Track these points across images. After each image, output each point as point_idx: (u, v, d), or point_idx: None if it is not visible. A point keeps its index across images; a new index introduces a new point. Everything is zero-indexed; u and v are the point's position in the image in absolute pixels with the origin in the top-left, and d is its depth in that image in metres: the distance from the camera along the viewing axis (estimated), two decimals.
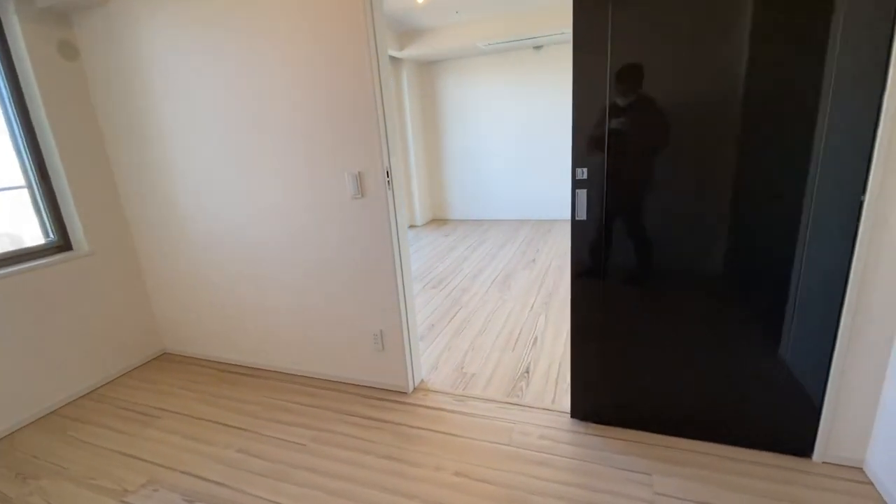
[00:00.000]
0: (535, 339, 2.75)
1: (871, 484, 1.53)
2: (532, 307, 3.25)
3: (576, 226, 1.71)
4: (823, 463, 1.64)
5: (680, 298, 1.66)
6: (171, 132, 2.35)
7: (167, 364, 2.77)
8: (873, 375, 1.51)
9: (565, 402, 2.10)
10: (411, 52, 5.42)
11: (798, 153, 1.40)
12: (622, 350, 1.80)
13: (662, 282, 1.67)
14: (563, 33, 4.98)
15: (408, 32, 5.38)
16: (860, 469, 1.59)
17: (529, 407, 2.08)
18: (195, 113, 2.25)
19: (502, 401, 2.14)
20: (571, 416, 1.97)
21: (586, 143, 1.61)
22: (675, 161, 1.54)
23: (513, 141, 6.12)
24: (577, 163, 1.64)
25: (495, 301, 3.41)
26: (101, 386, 2.56)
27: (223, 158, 2.27)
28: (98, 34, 2.33)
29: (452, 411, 2.08)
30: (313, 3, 1.84)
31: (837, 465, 1.62)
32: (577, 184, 1.66)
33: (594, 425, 1.92)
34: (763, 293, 1.55)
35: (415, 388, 2.29)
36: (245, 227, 2.35)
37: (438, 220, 6.78)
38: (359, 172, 1.99)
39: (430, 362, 2.55)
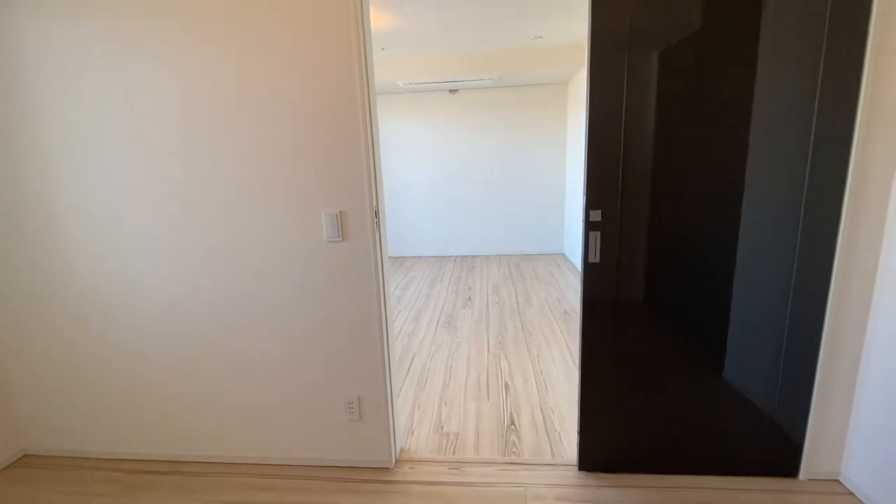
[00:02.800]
0: (506, 384, 2.62)
1: (852, 494, 1.69)
2: (489, 349, 3.13)
3: (589, 269, 1.67)
4: (808, 480, 1.77)
5: (682, 343, 1.70)
6: (62, 160, 1.77)
7: (34, 472, 1.99)
8: (844, 404, 1.70)
9: (563, 453, 1.99)
10: None
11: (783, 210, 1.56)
12: (629, 395, 1.77)
13: (668, 326, 1.69)
14: (479, 80, 5.23)
15: None
16: (837, 481, 1.76)
17: (532, 464, 1.92)
18: (102, 133, 1.73)
19: (501, 461, 1.94)
20: (579, 469, 1.86)
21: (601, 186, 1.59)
22: (686, 207, 1.60)
23: (433, 179, 6.14)
24: (591, 205, 1.61)
25: (448, 345, 3.22)
26: None
27: (141, 193, 1.77)
28: None
29: (451, 483, 1.82)
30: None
31: (820, 480, 1.76)
32: (590, 226, 1.63)
33: (603, 475, 1.84)
34: (757, 344, 1.67)
35: (397, 461, 1.97)
36: (170, 282, 1.84)
37: None
38: (339, 212, 1.70)
39: (403, 425, 2.25)
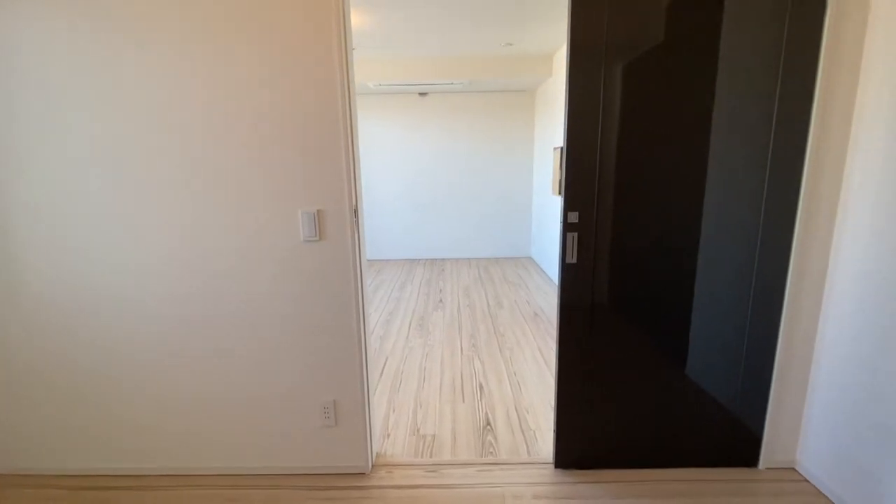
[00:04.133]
0: (480, 385, 2.63)
1: (807, 480, 1.81)
2: (462, 351, 3.13)
3: (566, 269, 1.70)
4: (767, 469, 1.88)
5: (653, 341, 1.77)
6: (14, 153, 1.63)
7: None
8: (797, 397, 1.82)
9: (539, 451, 2.01)
10: None
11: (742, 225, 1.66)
12: (605, 391, 1.81)
13: (639, 325, 1.75)
14: (451, 84, 5.27)
15: None
16: (793, 469, 1.87)
17: (508, 464, 1.93)
18: (61, 124, 1.61)
19: (480, 462, 1.94)
20: (556, 467, 1.89)
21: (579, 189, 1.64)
22: (655, 216, 1.67)
23: (402, 181, 6.10)
24: (569, 207, 1.65)
25: (421, 348, 3.20)
26: None
27: (102, 190, 1.65)
28: None
29: (429, 486, 1.80)
30: None
31: (777, 468, 1.87)
32: (568, 227, 1.66)
33: (578, 472, 1.87)
34: (721, 344, 1.75)
35: (374, 466, 1.93)
36: (133, 284, 1.72)
37: None
38: (317, 211, 1.66)
39: (378, 429, 2.21)
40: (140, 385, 1.82)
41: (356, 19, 3.54)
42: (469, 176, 6.09)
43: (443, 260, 6.19)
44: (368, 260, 6.26)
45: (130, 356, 1.79)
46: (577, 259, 1.69)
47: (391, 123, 5.97)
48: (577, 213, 1.65)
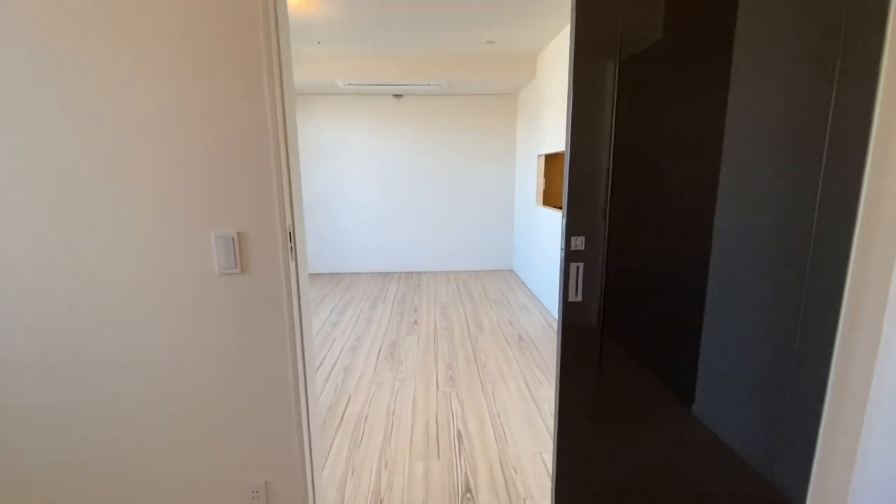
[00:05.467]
0: (459, 433, 2.22)
1: None
2: (438, 386, 2.72)
3: (568, 309, 1.32)
4: None
5: (676, 400, 1.40)
6: None
7: None
8: (845, 458, 1.47)
9: None
10: None
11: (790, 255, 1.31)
12: (614, 461, 1.44)
13: (658, 378, 1.39)
14: (427, 85, 4.89)
15: None
16: None
17: None
18: None
19: None
20: None
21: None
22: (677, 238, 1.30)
23: (375, 189, 5.68)
24: (572, 230, 1.27)
25: (390, 383, 2.77)
26: None
27: None
28: None
29: None
30: None
31: None
32: (571, 256, 1.28)
33: None
34: (758, 406, 1.41)
35: None
36: None
37: None
38: (237, 234, 1.23)
39: (332, 501, 1.77)
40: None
41: (318, 10, 3.12)
42: (447, 184, 5.71)
43: (419, 273, 5.77)
44: (337, 274, 5.78)
45: None
46: (583, 296, 1.31)
47: (363, 126, 5.54)
48: (582, 237, 1.27)
